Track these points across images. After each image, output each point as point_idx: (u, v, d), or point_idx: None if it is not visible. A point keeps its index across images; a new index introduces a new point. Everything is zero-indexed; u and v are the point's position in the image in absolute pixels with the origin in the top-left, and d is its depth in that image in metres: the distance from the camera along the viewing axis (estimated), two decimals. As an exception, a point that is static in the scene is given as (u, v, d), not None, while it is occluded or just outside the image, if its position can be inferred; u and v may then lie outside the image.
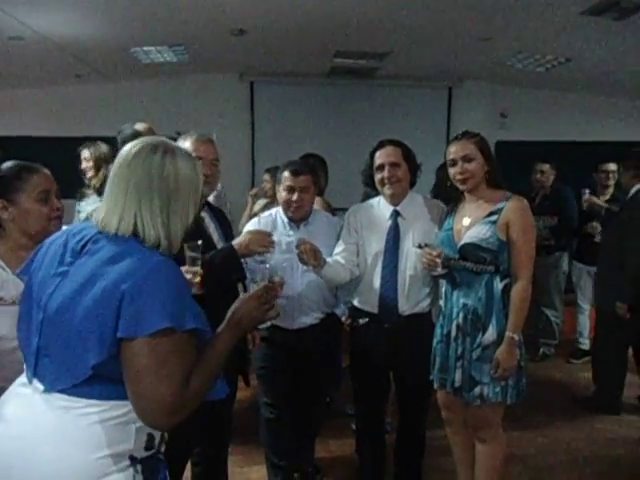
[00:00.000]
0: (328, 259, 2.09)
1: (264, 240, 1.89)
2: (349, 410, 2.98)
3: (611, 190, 3.75)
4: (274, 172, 2.85)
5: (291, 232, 2.22)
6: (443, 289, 2.11)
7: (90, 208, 2.66)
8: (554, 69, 4.73)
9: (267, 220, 2.27)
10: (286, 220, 2.24)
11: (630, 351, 3.25)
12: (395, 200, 2.17)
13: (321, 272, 2.04)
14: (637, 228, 3.00)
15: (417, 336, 2.11)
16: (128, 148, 1.13)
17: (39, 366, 1.07)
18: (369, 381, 2.27)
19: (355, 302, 2.27)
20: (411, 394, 2.25)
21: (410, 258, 2.11)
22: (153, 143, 1.13)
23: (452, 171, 2.01)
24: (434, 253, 1.95)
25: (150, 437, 1.08)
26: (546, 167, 3.95)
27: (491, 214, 1.95)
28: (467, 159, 1.96)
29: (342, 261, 2.17)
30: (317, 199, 2.54)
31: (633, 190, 3.16)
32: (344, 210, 2.34)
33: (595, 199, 3.56)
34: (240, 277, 1.99)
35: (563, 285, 4.10)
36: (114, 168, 1.13)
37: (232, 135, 5.18)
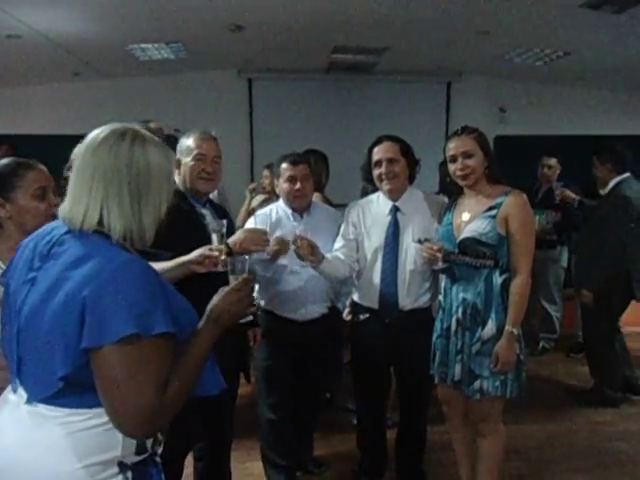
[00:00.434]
0: (327, 255, 2.09)
1: (259, 239, 1.88)
2: (350, 405, 2.99)
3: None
4: (274, 168, 2.85)
5: (295, 223, 2.23)
6: (442, 284, 2.12)
7: None
8: (553, 63, 4.72)
9: (264, 218, 2.25)
10: (289, 211, 2.24)
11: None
12: (394, 196, 2.17)
13: (319, 267, 2.05)
14: (616, 221, 3.05)
15: (417, 331, 2.12)
16: (94, 134, 1.06)
17: (22, 374, 1.04)
18: (369, 376, 2.28)
19: (355, 297, 2.28)
20: (412, 389, 2.25)
21: (410, 253, 2.11)
22: (121, 129, 1.06)
23: (452, 167, 2.00)
24: (435, 247, 1.96)
25: (140, 442, 1.04)
26: (553, 161, 3.96)
27: (490, 209, 1.95)
28: (467, 155, 1.96)
29: (341, 257, 2.17)
30: (316, 194, 2.54)
31: (612, 183, 3.19)
32: (343, 206, 2.34)
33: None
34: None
35: (562, 279, 4.11)
36: (79, 156, 1.05)
37: (230, 131, 5.16)
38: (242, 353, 1.99)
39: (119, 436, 0.99)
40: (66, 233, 1.04)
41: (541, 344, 4.10)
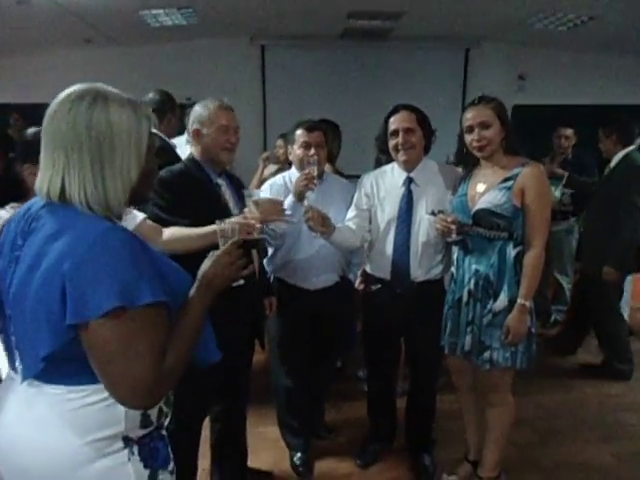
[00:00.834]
0: (338, 225, 2.09)
1: (277, 210, 1.87)
2: (361, 374, 3.04)
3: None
4: (288, 135, 2.82)
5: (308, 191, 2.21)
6: (455, 255, 2.11)
7: None
8: (576, 29, 4.54)
9: (278, 188, 2.25)
10: None
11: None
12: (409, 166, 2.14)
13: (330, 238, 2.05)
14: (631, 194, 3.01)
15: (429, 302, 2.13)
16: (56, 99, 0.99)
17: (19, 353, 1.03)
18: (381, 346, 2.31)
19: (367, 268, 2.28)
20: (422, 359, 2.28)
21: (423, 225, 2.10)
22: (81, 90, 0.98)
23: (469, 138, 1.97)
24: (449, 219, 1.94)
25: (145, 415, 1.03)
26: (569, 132, 3.88)
27: (506, 180, 1.92)
28: (484, 125, 1.91)
29: (353, 227, 2.17)
30: (327, 166, 2.51)
31: (618, 156, 3.16)
32: (356, 177, 2.32)
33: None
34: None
35: (575, 251, 4.07)
36: (43, 123, 0.98)
37: (243, 100, 5.08)
38: (257, 321, 2.02)
39: (121, 410, 0.98)
40: (43, 207, 1.00)
41: (553, 317, 4.10)
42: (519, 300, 1.90)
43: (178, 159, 2.21)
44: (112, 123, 0.96)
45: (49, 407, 0.99)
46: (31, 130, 1.63)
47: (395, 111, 2.12)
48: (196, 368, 1.09)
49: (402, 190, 2.14)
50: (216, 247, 1.22)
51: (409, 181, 2.14)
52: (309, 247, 2.20)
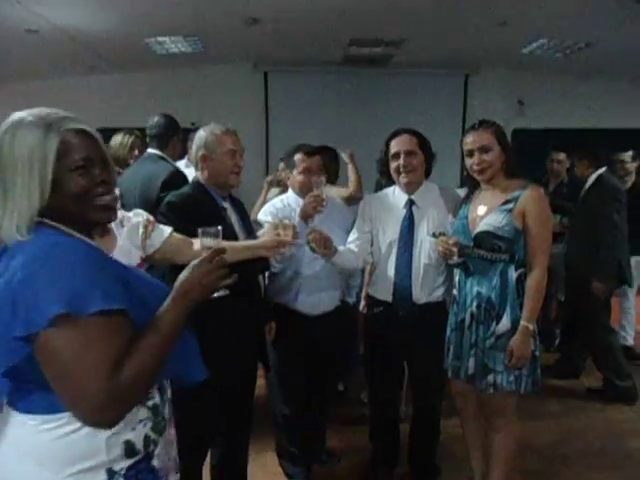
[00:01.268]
0: (340, 247, 2.10)
1: (293, 232, 1.85)
2: (364, 398, 3.01)
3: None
4: (285, 159, 2.85)
5: None
6: (457, 277, 2.11)
7: None
8: (573, 55, 4.64)
9: (284, 212, 2.22)
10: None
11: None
12: (410, 189, 2.16)
13: (331, 259, 2.05)
14: (610, 210, 3.13)
15: (431, 325, 2.11)
16: None
17: None
18: (383, 369, 2.29)
19: (370, 291, 2.28)
20: (425, 382, 2.25)
21: (424, 247, 2.11)
22: (8, 119, 0.99)
23: (469, 162, 1.99)
24: (450, 242, 1.95)
25: (128, 443, 0.98)
26: (562, 156, 4.03)
27: (507, 202, 1.93)
28: (484, 149, 1.94)
29: (355, 249, 2.17)
30: (336, 189, 2.53)
31: (591, 179, 3.30)
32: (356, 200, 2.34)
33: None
34: (263, 268, 2.03)
35: None
36: None
37: (246, 125, 5.14)
38: (261, 345, 2.02)
39: (102, 439, 0.95)
40: None
41: (557, 340, 4.06)
42: (522, 322, 1.89)
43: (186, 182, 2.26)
44: (14, 145, 0.96)
45: (25, 439, 0.96)
46: None
47: (396, 134, 2.15)
48: (190, 390, 1.06)
49: (403, 212, 2.15)
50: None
51: (410, 203, 2.16)
52: (312, 267, 2.19)
